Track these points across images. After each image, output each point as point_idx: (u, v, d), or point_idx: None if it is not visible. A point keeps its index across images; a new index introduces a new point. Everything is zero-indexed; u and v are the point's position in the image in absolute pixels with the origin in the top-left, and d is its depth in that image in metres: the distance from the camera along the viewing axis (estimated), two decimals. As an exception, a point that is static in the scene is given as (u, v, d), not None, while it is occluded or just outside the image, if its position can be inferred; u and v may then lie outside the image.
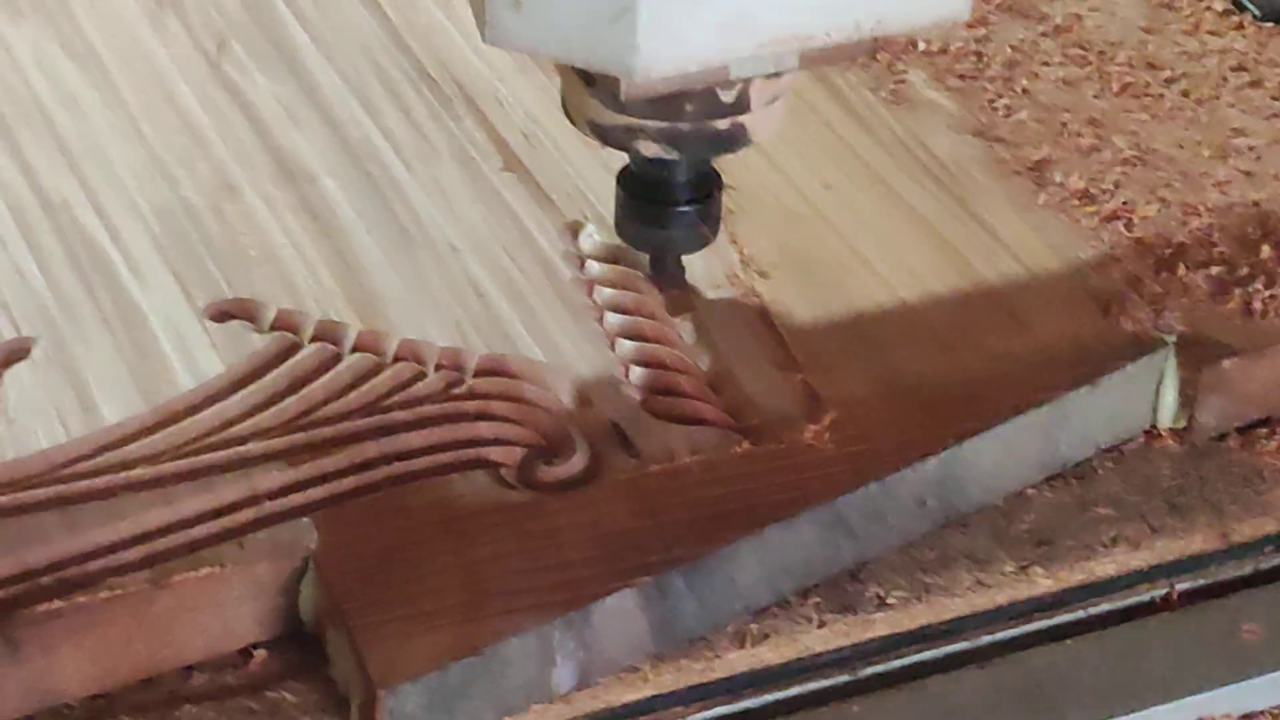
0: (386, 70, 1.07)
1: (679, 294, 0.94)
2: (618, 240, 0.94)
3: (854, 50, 0.78)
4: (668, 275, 0.90)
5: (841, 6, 0.75)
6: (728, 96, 0.80)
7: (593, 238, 0.96)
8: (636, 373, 0.90)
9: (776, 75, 0.79)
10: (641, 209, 0.86)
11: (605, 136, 0.82)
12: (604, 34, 0.73)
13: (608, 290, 0.94)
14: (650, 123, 0.80)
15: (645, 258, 0.93)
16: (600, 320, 0.93)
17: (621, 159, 0.88)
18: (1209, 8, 1.15)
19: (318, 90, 1.05)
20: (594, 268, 0.95)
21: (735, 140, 0.81)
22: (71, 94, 1.03)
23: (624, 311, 0.93)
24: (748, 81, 0.79)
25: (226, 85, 1.05)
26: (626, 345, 0.91)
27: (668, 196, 0.85)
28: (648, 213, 0.86)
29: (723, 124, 0.81)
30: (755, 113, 0.81)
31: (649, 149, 0.81)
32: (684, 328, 0.92)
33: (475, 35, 1.07)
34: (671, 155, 0.81)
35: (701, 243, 0.88)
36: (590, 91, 0.80)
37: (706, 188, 0.86)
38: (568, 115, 0.83)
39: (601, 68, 0.75)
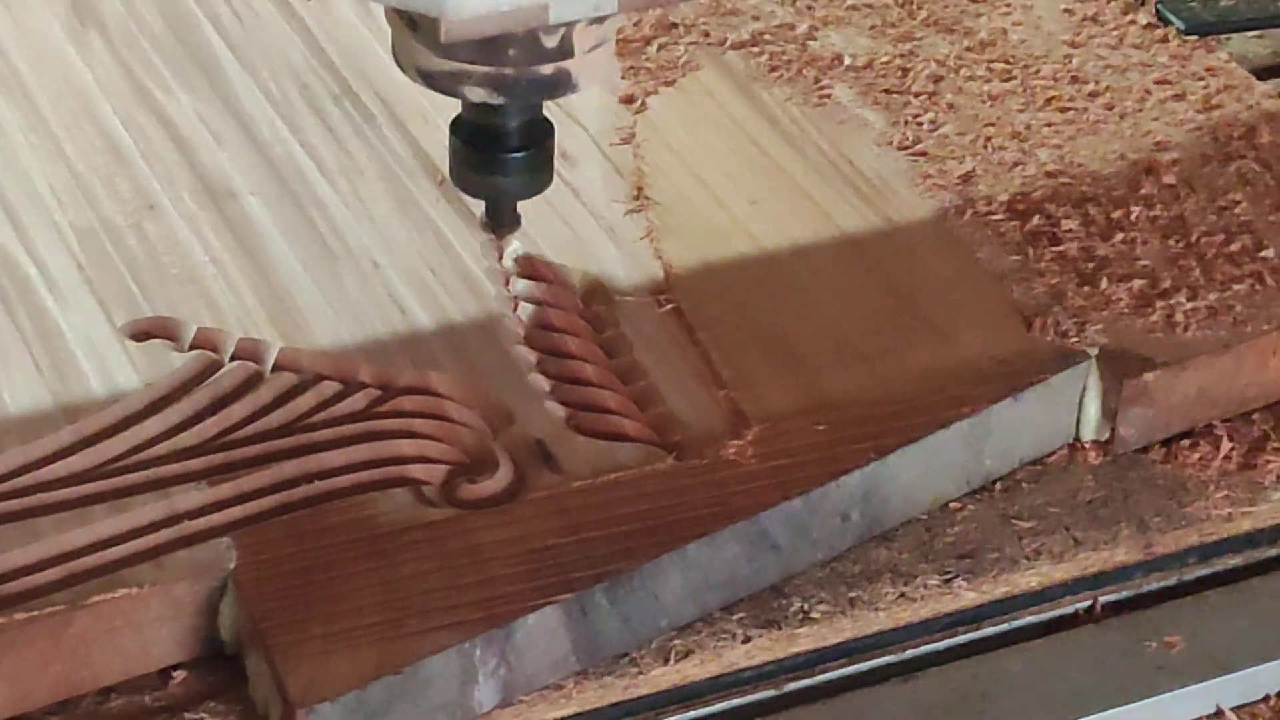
0: (311, 87, 1.06)
1: (603, 309, 0.94)
2: (542, 256, 0.94)
3: None
4: (504, 223, 0.90)
5: None
6: (551, 41, 0.81)
7: (518, 254, 0.96)
8: (560, 389, 0.90)
9: (600, 20, 0.80)
10: (474, 156, 0.86)
11: (432, 82, 0.82)
12: None
13: (532, 307, 0.94)
14: (475, 68, 0.81)
15: (574, 276, 0.93)
16: (525, 337, 0.92)
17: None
18: (1133, 21, 1.15)
19: (241, 108, 1.05)
20: (519, 285, 0.95)
21: (560, 85, 0.82)
22: (-8, 114, 1.03)
23: (549, 328, 0.93)
24: (570, 26, 0.80)
25: (149, 104, 1.04)
26: (551, 362, 0.91)
27: (499, 143, 0.86)
28: (481, 160, 0.86)
29: (547, 69, 0.81)
30: (579, 58, 0.81)
31: (475, 94, 0.82)
32: (608, 344, 0.92)
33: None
34: (497, 100, 0.82)
35: (534, 189, 0.88)
36: (415, 38, 0.81)
37: (538, 134, 0.86)
38: (398, 64, 0.83)
39: (415, 7, 0.76)
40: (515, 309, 0.94)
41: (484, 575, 0.81)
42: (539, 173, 0.88)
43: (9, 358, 0.89)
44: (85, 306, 0.92)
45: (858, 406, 0.89)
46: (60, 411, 0.86)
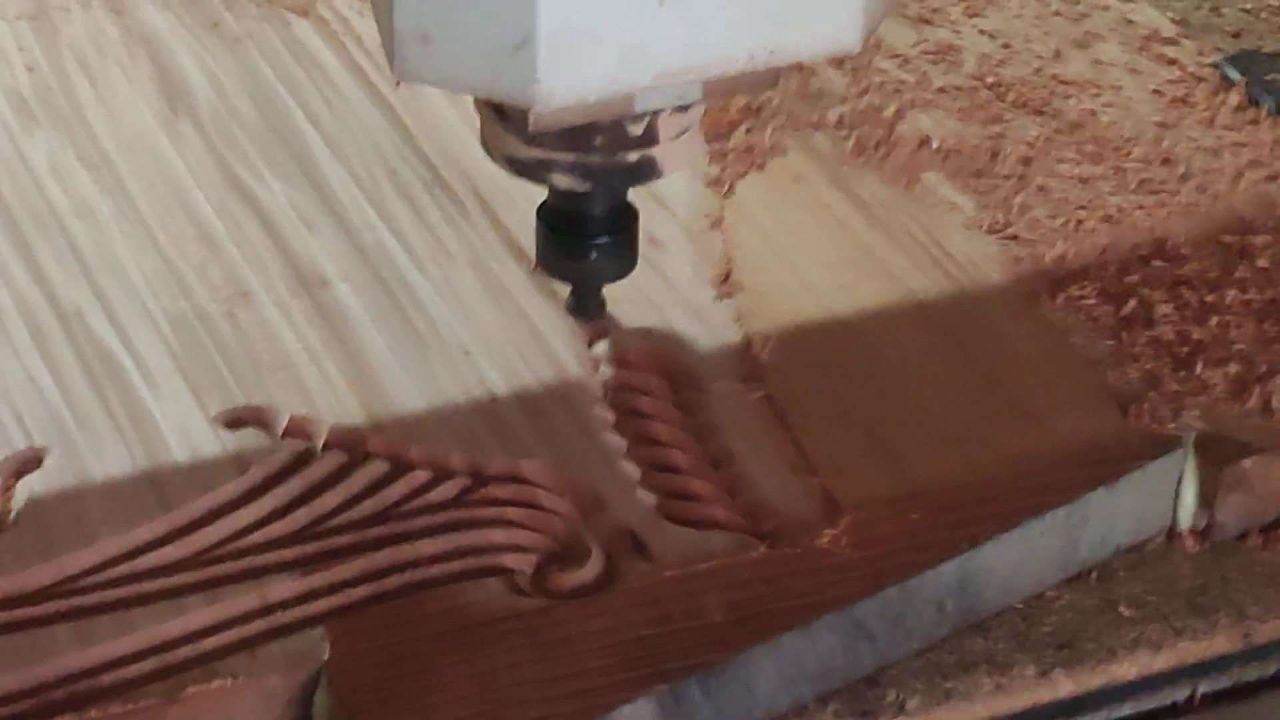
0: (400, 173, 1.07)
1: (693, 395, 0.94)
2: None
3: (756, 81, 0.80)
4: (588, 306, 0.91)
5: (734, 39, 0.78)
6: (636, 129, 0.82)
7: (607, 344, 0.96)
8: (651, 477, 0.90)
9: (684, 109, 0.81)
10: (560, 241, 0.88)
11: (520, 170, 0.84)
12: (505, 65, 0.75)
13: (623, 394, 0.94)
14: (561, 155, 0.82)
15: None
16: (615, 424, 0.92)
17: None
18: (1224, 102, 1.15)
19: (331, 194, 1.05)
20: (607, 371, 0.95)
21: (645, 172, 0.84)
22: (87, 203, 1.03)
23: (639, 415, 0.93)
24: (655, 114, 0.81)
25: (241, 191, 1.05)
26: (641, 449, 0.91)
27: (585, 229, 0.86)
28: (566, 245, 0.87)
29: (632, 156, 0.82)
30: (664, 145, 0.83)
31: (561, 181, 0.83)
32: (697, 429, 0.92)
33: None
34: (584, 187, 0.83)
35: (619, 273, 0.89)
36: (504, 127, 0.82)
37: (624, 219, 0.87)
38: (487, 152, 0.85)
39: (504, 99, 0.77)
40: (605, 396, 0.94)
41: (577, 667, 0.80)
42: (624, 257, 0.89)
43: (103, 446, 0.89)
44: (178, 394, 0.92)
45: (951, 493, 0.89)
46: (154, 501, 0.87)
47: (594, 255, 0.88)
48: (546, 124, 0.79)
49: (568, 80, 0.76)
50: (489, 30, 0.75)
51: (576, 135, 0.82)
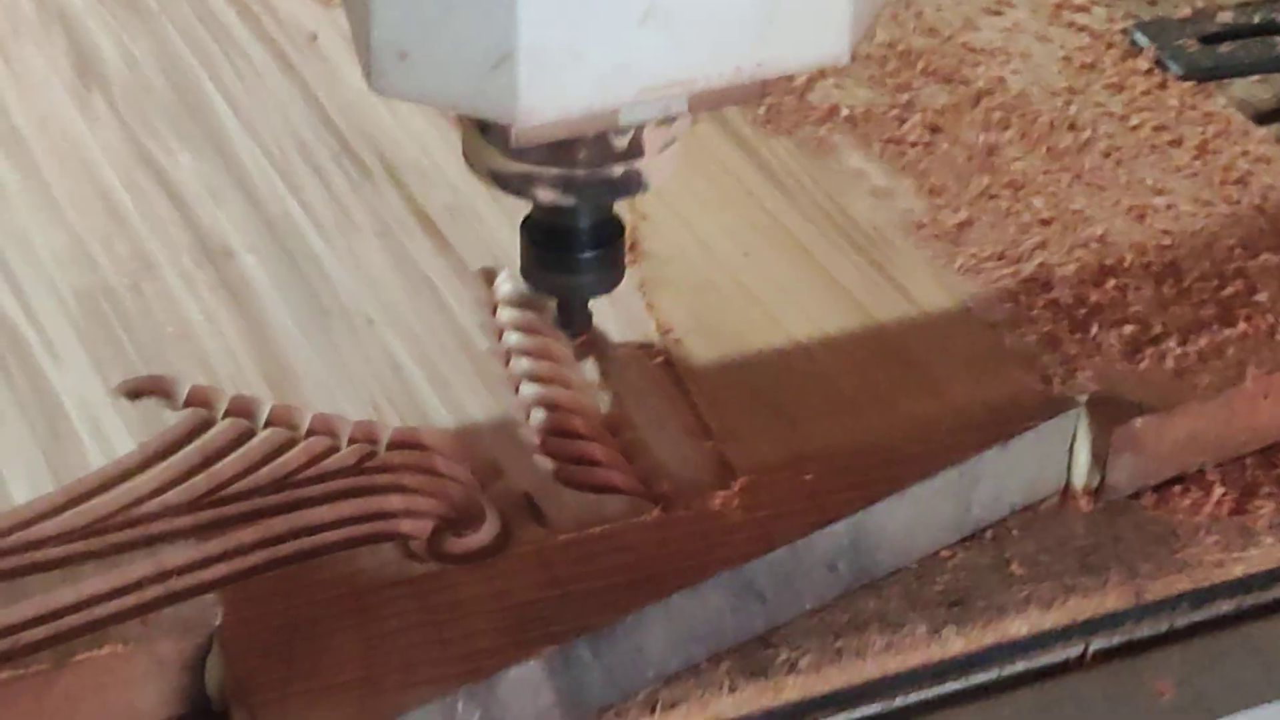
0: (309, 143, 1.08)
1: (595, 360, 0.94)
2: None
3: (742, 93, 0.79)
4: (575, 320, 0.91)
5: (719, 53, 0.77)
6: (620, 142, 0.81)
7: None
8: (549, 442, 0.90)
9: (669, 121, 0.81)
10: (545, 256, 0.87)
11: (504, 184, 0.83)
12: (486, 82, 0.74)
13: (524, 361, 0.94)
14: (545, 169, 0.82)
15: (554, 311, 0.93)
16: (515, 390, 0.93)
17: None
18: (1133, 69, 1.15)
19: (240, 166, 1.06)
20: (511, 338, 0.96)
21: (631, 186, 0.83)
22: (-5, 177, 1.04)
23: (539, 380, 0.93)
24: (640, 127, 0.81)
25: (150, 164, 1.06)
26: (540, 414, 0.92)
27: (570, 242, 0.86)
28: (551, 259, 0.87)
29: (617, 170, 0.82)
30: (649, 158, 0.82)
31: (546, 195, 0.83)
32: (600, 396, 0.93)
33: (401, 108, 1.09)
34: (568, 201, 0.83)
35: (606, 287, 0.89)
36: (486, 140, 0.82)
37: (609, 232, 0.87)
38: (469, 164, 0.84)
39: (485, 115, 0.77)
40: (507, 363, 0.94)
41: (467, 629, 0.81)
42: (610, 270, 0.89)
43: (4, 418, 0.90)
44: (80, 368, 0.93)
45: (845, 456, 0.90)
46: (53, 472, 0.87)
47: (581, 269, 0.88)
48: (529, 139, 0.79)
49: (549, 96, 0.75)
50: (468, 47, 0.74)
51: (560, 149, 0.81)
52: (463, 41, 0.74)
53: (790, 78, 1.14)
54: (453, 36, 0.74)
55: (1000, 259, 1.01)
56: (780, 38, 0.78)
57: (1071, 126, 1.11)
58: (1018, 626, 0.88)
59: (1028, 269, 1.00)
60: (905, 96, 1.13)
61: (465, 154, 0.84)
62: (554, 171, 0.82)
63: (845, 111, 1.11)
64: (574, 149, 0.81)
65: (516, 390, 0.93)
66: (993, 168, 1.07)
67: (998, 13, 1.20)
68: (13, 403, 0.91)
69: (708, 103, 0.80)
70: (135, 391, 0.91)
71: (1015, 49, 1.17)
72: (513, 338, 0.95)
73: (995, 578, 0.89)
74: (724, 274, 1.00)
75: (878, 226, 1.03)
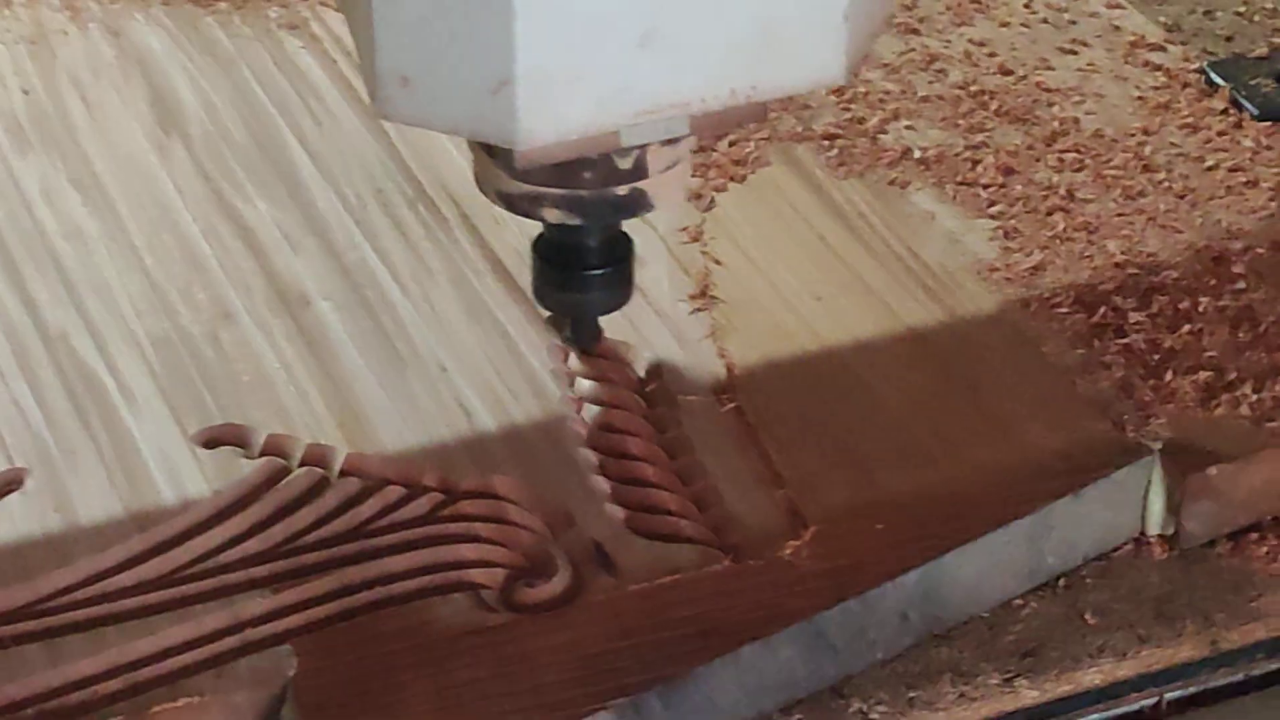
0: (385, 190, 1.08)
1: (666, 410, 0.95)
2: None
3: (743, 114, 0.80)
4: (584, 338, 0.92)
5: (716, 76, 0.78)
6: (624, 163, 0.82)
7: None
8: (621, 491, 0.91)
9: (673, 141, 0.82)
10: (555, 274, 0.88)
11: (512, 205, 0.84)
12: (486, 106, 0.75)
13: (596, 409, 0.95)
14: (551, 190, 0.83)
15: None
16: (588, 439, 0.93)
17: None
18: (1208, 108, 1.15)
19: (317, 213, 1.07)
20: (583, 385, 0.96)
21: (636, 206, 0.84)
22: (76, 225, 1.05)
23: (611, 429, 0.94)
24: (643, 148, 0.82)
25: (228, 211, 1.07)
26: (613, 463, 0.92)
27: (580, 261, 0.87)
28: (561, 278, 0.88)
29: (622, 190, 0.83)
30: (654, 178, 0.83)
31: (552, 215, 0.84)
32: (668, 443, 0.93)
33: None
34: (574, 221, 0.84)
35: (614, 305, 0.90)
36: (494, 162, 0.83)
37: (617, 251, 0.88)
38: (480, 187, 0.86)
39: (486, 138, 0.78)
40: (579, 411, 0.95)
41: (539, 680, 0.82)
42: (620, 288, 0.90)
43: (82, 465, 0.91)
44: (158, 416, 0.94)
45: (916, 504, 0.90)
46: (131, 519, 0.89)
47: (590, 287, 0.89)
48: (533, 161, 0.80)
49: (549, 119, 0.76)
50: (468, 72, 0.75)
51: (566, 170, 0.82)
52: (463, 67, 0.75)
53: (861, 120, 1.14)
54: (453, 63, 0.75)
55: (1074, 303, 1.01)
56: (776, 59, 0.79)
57: (1146, 168, 1.10)
58: (1091, 677, 0.87)
59: (1101, 313, 1.00)
60: (978, 138, 1.13)
61: (475, 176, 0.86)
62: (560, 192, 0.83)
63: (917, 153, 1.11)
64: (579, 170, 0.82)
65: (588, 439, 0.93)
66: (1066, 210, 1.07)
67: (1072, 52, 1.20)
68: (91, 450, 0.92)
69: (709, 124, 0.81)
70: (212, 440, 0.92)
71: (1089, 89, 1.17)
72: (585, 385, 0.96)
73: (1068, 627, 0.89)
74: (795, 319, 1.00)
75: (950, 270, 1.03)
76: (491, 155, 0.84)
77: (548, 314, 0.92)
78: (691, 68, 0.77)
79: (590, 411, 0.95)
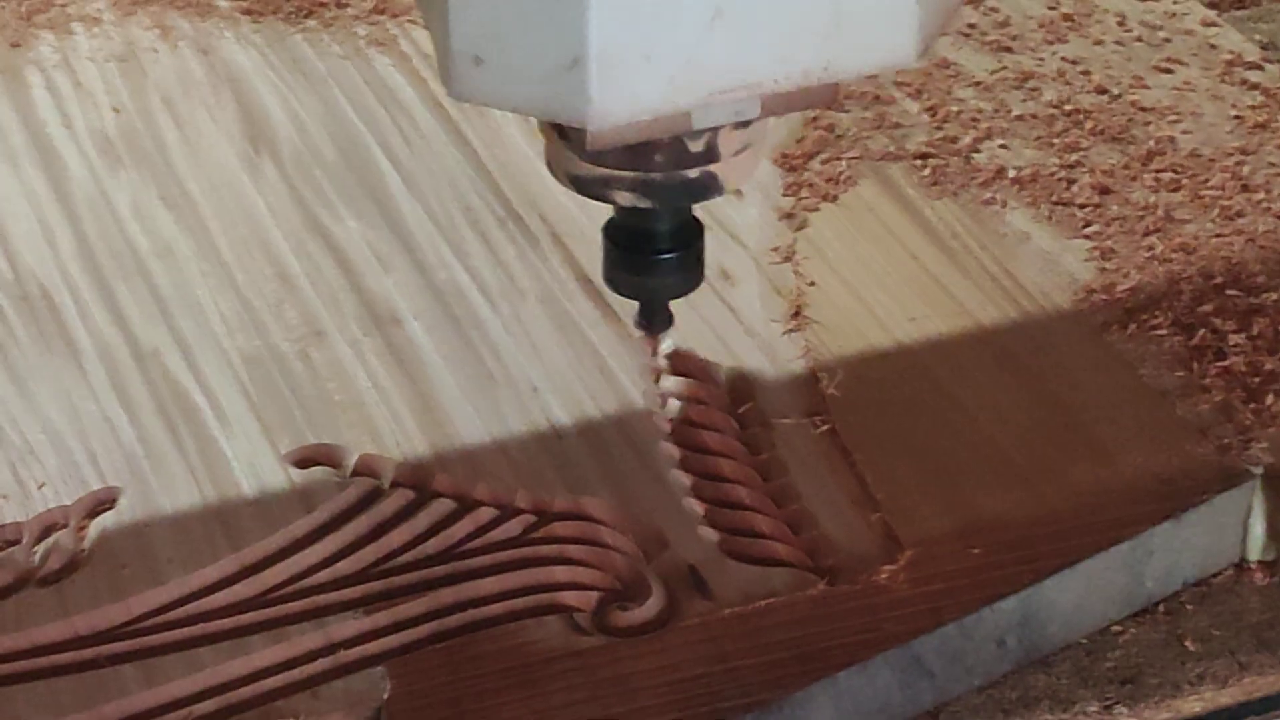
0: (476, 210, 1.08)
1: (759, 431, 0.94)
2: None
3: (814, 96, 0.79)
4: (657, 323, 0.92)
5: (788, 54, 0.77)
6: (696, 146, 0.82)
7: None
8: (714, 513, 0.90)
9: (744, 124, 0.81)
10: (626, 258, 0.88)
11: (583, 188, 0.84)
12: (559, 85, 0.75)
13: (689, 430, 0.94)
14: (623, 173, 0.83)
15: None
16: (680, 461, 0.93)
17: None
18: (1307, 126, 1.14)
19: (407, 232, 1.07)
20: (674, 406, 0.95)
21: (707, 189, 0.84)
22: (167, 243, 1.06)
23: (705, 451, 0.93)
24: (715, 131, 0.81)
25: (319, 230, 1.07)
26: (705, 485, 0.92)
27: (650, 245, 0.87)
28: (632, 261, 0.88)
29: (693, 173, 0.83)
30: (725, 161, 0.83)
31: (624, 198, 0.84)
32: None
33: (565, 173, 1.09)
34: (645, 204, 0.84)
35: (685, 288, 0.90)
36: (566, 145, 0.83)
37: (688, 234, 0.88)
38: (551, 171, 0.86)
39: (558, 118, 0.78)
40: (671, 432, 0.94)
41: (633, 705, 0.81)
42: (690, 272, 0.90)
43: (175, 484, 0.91)
44: (250, 435, 0.94)
45: (1014, 528, 0.89)
46: (224, 540, 0.88)
47: (659, 270, 0.89)
48: (604, 142, 0.80)
49: (621, 99, 0.76)
50: (540, 51, 0.75)
51: (637, 152, 0.82)
52: (535, 46, 0.75)
53: (954, 139, 1.13)
54: (526, 42, 0.75)
55: (1172, 325, 0.99)
56: (847, 39, 0.78)
57: (1244, 188, 1.09)
58: (1191, 705, 0.86)
59: (1200, 335, 0.99)
60: (1073, 157, 1.12)
61: (547, 161, 0.86)
62: (631, 175, 0.83)
63: (1012, 173, 1.10)
64: (650, 152, 0.82)
65: (680, 461, 0.93)
66: (1163, 230, 1.06)
67: (1168, 70, 1.19)
68: (184, 468, 0.92)
69: (779, 105, 0.80)
70: (304, 460, 0.92)
71: (1186, 108, 1.15)
72: (676, 406, 0.95)
73: (1168, 654, 0.88)
74: (889, 340, 0.99)
75: (1045, 290, 1.02)
76: (564, 137, 0.84)
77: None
78: (762, 46, 0.77)
79: (682, 434, 0.94)
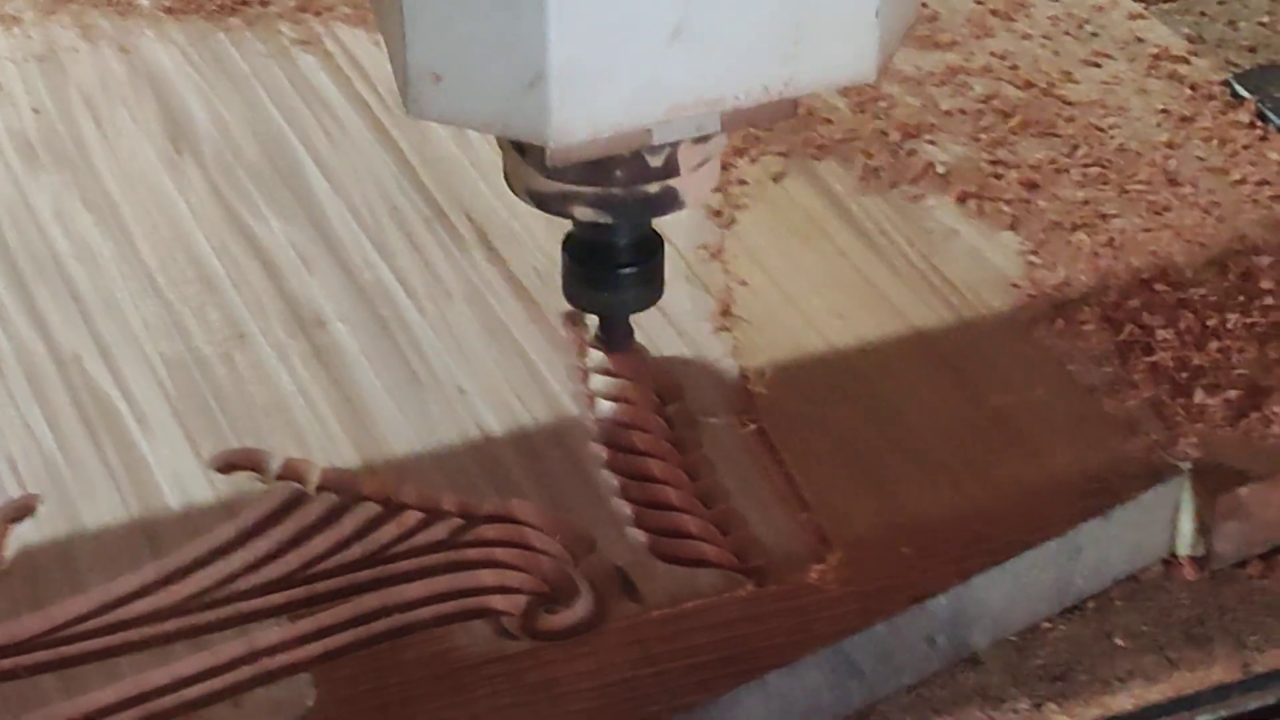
0: (402, 210, 1.07)
1: (687, 432, 0.94)
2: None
3: (774, 111, 0.80)
4: (618, 337, 0.91)
5: (749, 71, 0.77)
6: (656, 161, 0.82)
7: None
8: (643, 514, 0.89)
9: (704, 139, 0.81)
10: (586, 273, 0.88)
11: (543, 203, 0.84)
12: (518, 103, 0.75)
13: (617, 431, 0.94)
14: (582, 188, 0.82)
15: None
16: (608, 462, 0.92)
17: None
18: (1233, 120, 1.14)
19: (332, 232, 1.05)
20: (603, 407, 0.95)
21: (667, 204, 0.84)
22: (88, 245, 1.04)
23: (633, 451, 0.93)
24: (675, 145, 0.81)
25: (242, 231, 1.05)
26: (634, 486, 0.91)
27: (610, 260, 0.87)
28: (592, 276, 0.88)
29: (653, 188, 0.82)
30: (685, 176, 0.82)
31: (583, 214, 0.83)
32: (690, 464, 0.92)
33: (492, 171, 1.09)
34: (605, 220, 0.83)
35: (646, 302, 0.89)
36: (525, 160, 0.82)
37: (648, 249, 0.87)
38: (510, 186, 0.85)
39: (518, 135, 0.77)
40: (600, 433, 0.93)
41: (560, 710, 0.80)
42: (650, 287, 0.90)
43: (95, 490, 0.90)
44: (172, 440, 0.93)
45: (943, 527, 0.88)
46: (146, 547, 0.87)
47: (621, 286, 0.88)
48: (565, 158, 0.79)
49: (581, 115, 0.76)
50: (500, 68, 0.75)
51: (597, 168, 0.82)
52: (495, 63, 0.75)
53: (883, 134, 1.13)
54: (485, 59, 0.75)
55: (1100, 321, 0.99)
56: (808, 56, 0.78)
57: (1172, 182, 1.09)
58: (1121, 701, 0.86)
59: (1128, 331, 0.99)
60: (1001, 152, 1.11)
61: (506, 175, 0.86)
62: (591, 190, 0.83)
63: (940, 169, 1.10)
64: (610, 168, 0.82)
65: (608, 462, 0.92)
66: (1091, 226, 1.06)
67: (1096, 65, 1.19)
68: (105, 475, 0.91)
69: (740, 121, 0.81)
70: (227, 465, 0.91)
71: (1114, 102, 1.15)
72: (605, 407, 0.95)
73: (1098, 650, 0.88)
74: (818, 338, 0.99)
75: (974, 286, 1.02)
76: (522, 153, 0.83)
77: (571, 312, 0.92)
78: (723, 63, 0.77)
79: (611, 435, 0.93)
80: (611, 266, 0.88)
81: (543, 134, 0.76)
